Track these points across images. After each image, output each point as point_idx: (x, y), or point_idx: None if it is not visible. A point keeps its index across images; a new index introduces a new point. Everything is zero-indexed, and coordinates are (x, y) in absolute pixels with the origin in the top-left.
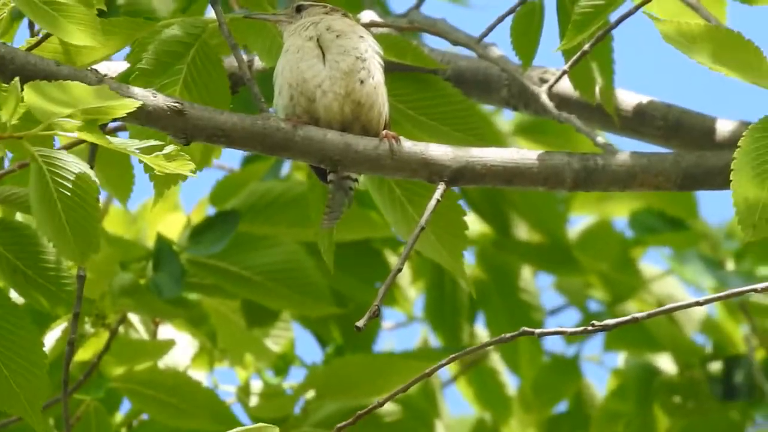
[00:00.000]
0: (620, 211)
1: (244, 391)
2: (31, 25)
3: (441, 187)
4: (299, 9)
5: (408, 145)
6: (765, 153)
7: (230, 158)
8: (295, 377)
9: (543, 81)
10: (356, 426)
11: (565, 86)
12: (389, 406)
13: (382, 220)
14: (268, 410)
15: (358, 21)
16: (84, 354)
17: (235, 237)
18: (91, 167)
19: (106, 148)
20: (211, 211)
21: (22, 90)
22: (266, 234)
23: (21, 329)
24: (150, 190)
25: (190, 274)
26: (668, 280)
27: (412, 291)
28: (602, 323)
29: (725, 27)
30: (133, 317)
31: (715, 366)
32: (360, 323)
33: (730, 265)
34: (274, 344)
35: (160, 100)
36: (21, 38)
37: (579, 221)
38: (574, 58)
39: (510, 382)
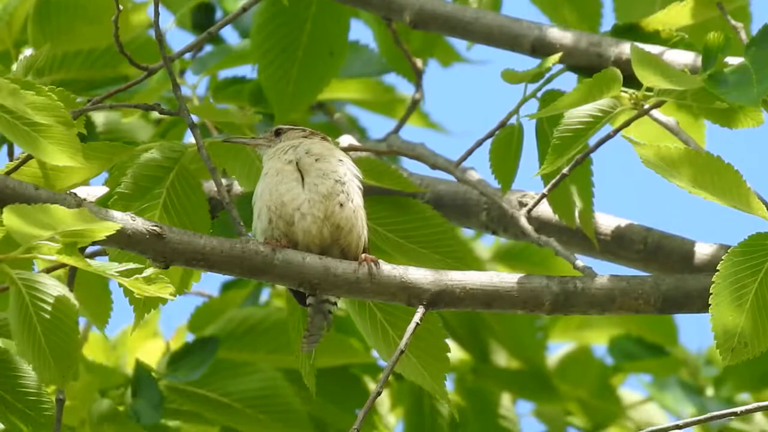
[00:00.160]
0: (599, 338)
1: None
2: (10, 152)
3: (420, 311)
4: (278, 132)
5: (387, 269)
6: (744, 278)
7: (209, 285)
8: None
9: (522, 204)
10: None
11: (545, 209)
12: None
13: (362, 346)
14: None
15: (337, 144)
16: None
17: (214, 364)
18: (71, 290)
19: (84, 273)
20: (190, 337)
21: (1, 213)
22: (245, 360)
23: None
24: (129, 316)
25: (168, 401)
26: (648, 406)
27: (392, 417)
28: None
29: (704, 151)
30: None
31: None
32: None
33: (710, 392)
34: None
35: (139, 223)
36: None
37: (558, 348)
38: (553, 181)
39: None
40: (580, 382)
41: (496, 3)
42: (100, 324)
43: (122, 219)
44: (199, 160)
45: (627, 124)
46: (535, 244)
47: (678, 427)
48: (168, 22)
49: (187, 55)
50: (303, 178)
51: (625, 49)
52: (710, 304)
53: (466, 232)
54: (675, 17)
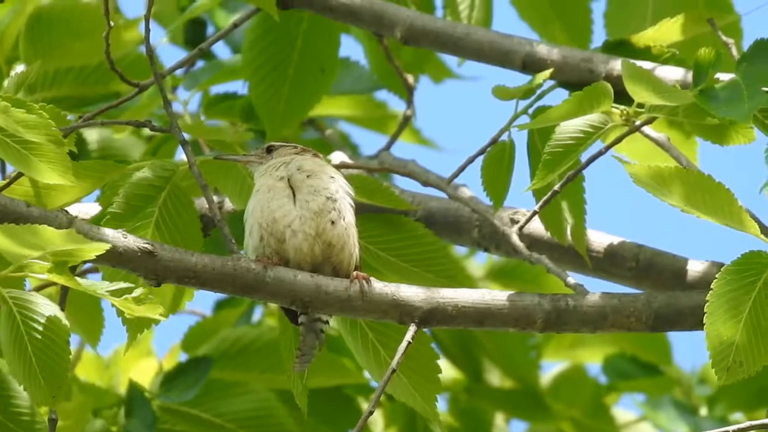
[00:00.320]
0: (593, 357)
1: None
2: (2, 169)
3: (412, 329)
4: (270, 149)
5: (379, 286)
6: (738, 296)
7: (202, 303)
8: None
9: (514, 222)
10: None
11: (537, 227)
12: None
13: (355, 366)
14: None
15: (329, 161)
16: None
17: (207, 384)
18: (62, 309)
19: (76, 291)
20: (183, 356)
21: None
22: (238, 381)
23: None
24: (123, 334)
25: (161, 421)
26: (642, 426)
27: None
28: None
29: (696, 169)
30: None
31: None
32: None
33: (704, 411)
34: None
35: (130, 241)
36: None
37: (551, 367)
38: (545, 198)
39: None
40: (574, 402)
41: (487, 19)
42: (92, 342)
43: (114, 237)
44: (191, 177)
45: (618, 140)
46: (527, 262)
47: None
48: (160, 38)
49: (180, 71)
50: (294, 195)
51: (616, 65)
52: (704, 323)
53: (459, 250)
54: (666, 33)
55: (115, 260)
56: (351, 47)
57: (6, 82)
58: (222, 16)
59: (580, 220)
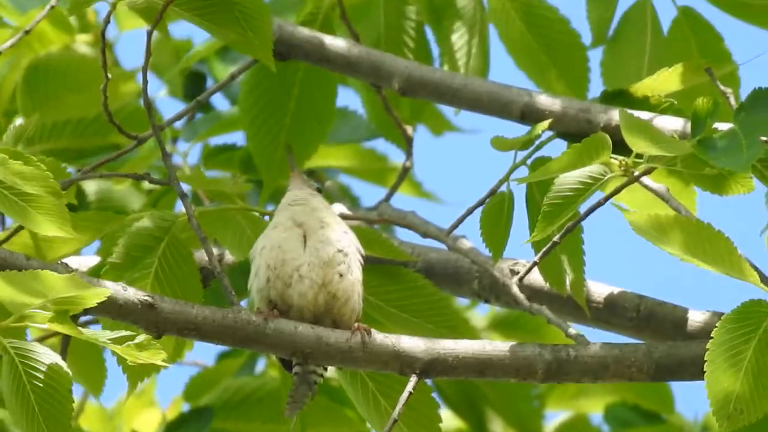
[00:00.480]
0: (596, 407)
1: None
2: (2, 221)
3: (413, 380)
4: (315, 182)
5: (379, 338)
6: (738, 344)
7: (205, 354)
8: None
9: (514, 272)
10: None
11: (536, 277)
12: None
13: (357, 416)
14: None
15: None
16: None
17: None
18: (64, 358)
19: (78, 341)
20: (186, 407)
21: None
22: (240, 431)
23: None
24: (125, 385)
25: None
26: None
27: None
28: None
29: (695, 218)
30: None
31: None
32: None
33: None
34: None
35: (130, 293)
36: None
37: (555, 417)
38: (544, 249)
39: None
40: None
41: (484, 68)
42: (94, 392)
43: (114, 289)
44: (190, 229)
45: (618, 191)
46: (528, 312)
47: None
48: (159, 89)
49: (180, 123)
50: (306, 241)
51: (615, 115)
52: (705, 371)
53: (461, 301)
54: (664, 83)
55: (115, 312)
56: (349, 96)
57: (5, 136)
58: (221, 69)
59: (579, 271)
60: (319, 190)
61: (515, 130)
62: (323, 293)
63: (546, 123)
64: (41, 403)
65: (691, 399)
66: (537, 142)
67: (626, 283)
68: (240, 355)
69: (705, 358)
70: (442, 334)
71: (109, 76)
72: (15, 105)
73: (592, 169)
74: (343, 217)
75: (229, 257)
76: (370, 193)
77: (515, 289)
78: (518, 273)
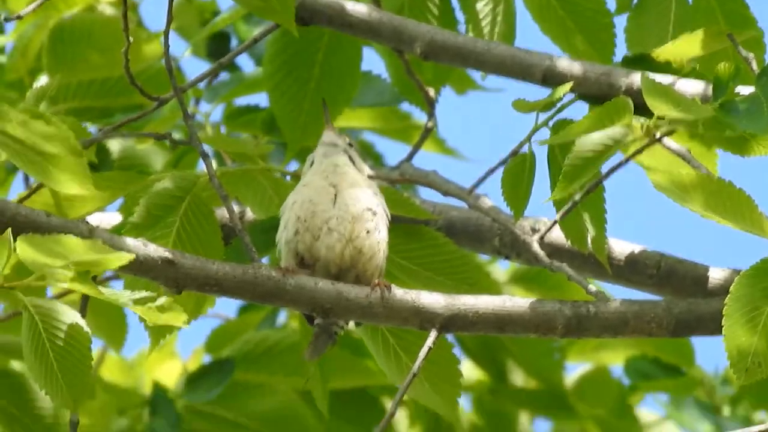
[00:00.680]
0: (617, 359)
1: None
2: (26, 179)
3: (433, 335)
4: (351, 145)
5: (399, 293)
6: (756, 299)
7: (226, 307)
8: None
9: (534, 231)
10: None
11: (557, 235)
12: None
13: (378, 368)
14: None
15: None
16: None
17: (231, 385)
18: (83, 316)
19: (98, 298)
20: (207, 359)
21: (15, 240)
22: (262, 382)
23: None
24: (146, 337)
25: (186, 421)
26: (666, 426)
27: None
28: None
29: (717, 177)
30: None
31: None
32: None
33: (727, 411)
34: None
35: (151, 250)
36: (16, 192)
37: (575, 369)
38: (565, 208)
39: None
40: (598, 402)
41: (510, 33)
42: (116, 346)
43: (134, 246)
44: (212, 188)
45: (639, 152)
46: (548, 270)
47: None
48: (183, 50)
49: (203, 83)
50: (336, 198)
51: (636, 79)
52: (723, 326)
53: (482, 256)
54: (686, 48)
55: (136, 269)
56: (373, 60)
57: (29, 93)
58: (245, 29)
59: (601, 229)
60: (350, 145)
61: (537, 93)
62: (350, 248)
63: (568, 86)
64: (60, 361)
65: (711, 352)
66: (558, 105)
67: (647, 242)
68: (262, 309)
69: (723, 313)
70: (463, 291)
71: (131, 39)
72: (40, 64)
73: (614, 131)
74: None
75: (250, 215)
76: (393, 150)
77: (536, 247)
78: (539, 231)
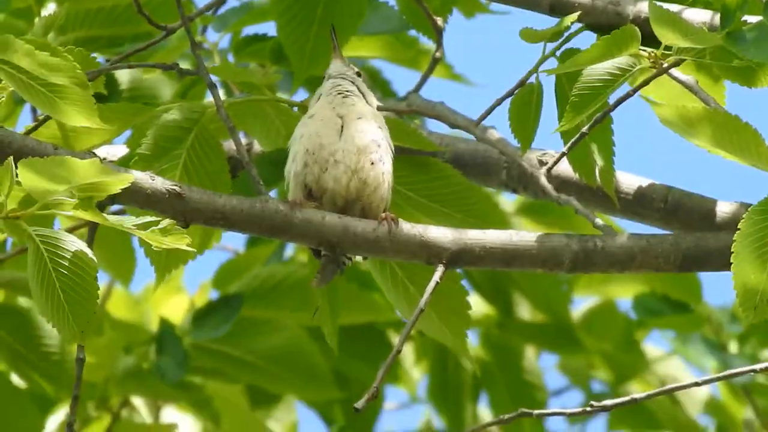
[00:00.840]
0: (624, 293)
1: None
2: (33, 111)
3: (440, 269)
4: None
5: (406, 228)
6: (765, 235)
7: (233, 239)
8: None
9: (542, 163)
10: None
11: (565, 168)
12: None
13: (386, 302)
14: None
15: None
16: None
17: (238, 321)
18: (90, 247)
19: (106, 230)
20: (214, 293)
21: (16, 168)
22: (269, 318)
23: (21, 414)
24: (153, 271)
25: (193, 358)
26: (672, 361)
27: (416, 371)
28: (601, 404)
29: (723, 110)
30: (136, 399)
31: None
32: (359, 404)
33: (734, 348)
34: (277, 426)
35: (158, 183)
36: (23, 124)
37: (582, 302)
38: (573, 140)
39: None
40: (605, 336)
41: None
42: (124, 280)
43: (142, 179)
44: (219, 119)
45: (646, 82)
46: (555, 203)
47: (698, 384)
48: None
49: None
50: (343, 130)
51: (644, 7)
52: (731, 263)
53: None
54: None
55: (143, 202)
56: None
57: (37, 22)
58: None
59: (609, 161)
60: (358, 74)
61: (545, 22)
62: (355, 179)
63: (575, 15)
64: (66, 290)
65: (719, 289)
66: (566, 34)
67: (654, 175)
68: (269, 243)
69: (732, 250)
70: (470, 223)
71: None
72: None
73: (621, 60)
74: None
75: (257, 147)
76: (400, 77)
77: (543, 180)
78: (547, 163)
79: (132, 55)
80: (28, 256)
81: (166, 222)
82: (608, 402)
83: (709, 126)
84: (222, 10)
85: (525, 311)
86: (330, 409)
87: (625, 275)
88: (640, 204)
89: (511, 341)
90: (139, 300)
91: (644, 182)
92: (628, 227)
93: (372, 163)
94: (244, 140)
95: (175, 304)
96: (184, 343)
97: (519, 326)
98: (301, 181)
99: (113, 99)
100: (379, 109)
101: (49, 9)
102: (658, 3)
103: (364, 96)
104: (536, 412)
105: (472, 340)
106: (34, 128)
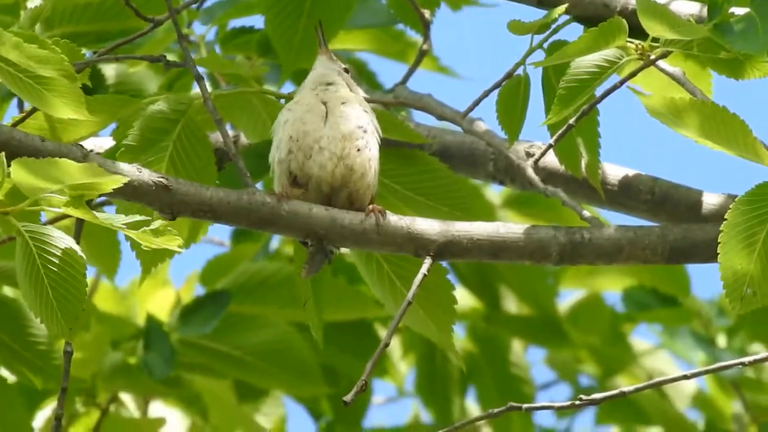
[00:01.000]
0: (610, 286)
1: None
2: (20, 106)
3: (427, 262)
4: (347, 70)
5: (394, 219)
6: (752, 226)
7: (220, 232)
8: None
9: (529, 155)
10: None
11: (552, 160)
12: None
13: (372, 296)
14: None
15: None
16: None
17: (226, 317)
18: (77, 242)
19: (92, 224)
20: (200, 287)
21: (9, 165)
22: (257, 314)
23: (9, 408)
24: (139, 265)
25: (180, 354)
26: (659, 355)
27: (403, 365)
28: (590, 397)
29: (710, 101)
30: (124, 395)
31: None
32: (347, 398)
33: (722, 342)
34: (265, 420)
35: (145, 175)
36: (10, 118)
37: (569, 295)
38: (560, 132)
39: None
40: (592, 329)
41: None
42: (109, 273)
43: (129, 171)
44: (206, 111)
45: (633, 74)
46: (542, 195)
47: (686, 377)
48: None
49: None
50: (327, 117)
51: None
52: (718, 254)
53: (476, 181)
54: None
55: (130, 194)
56: None
57: (23, 14)
58: None
59: (595, 153)
60: (346, 70)
61: (533, 14)
62: (341, 166)
63: (563, 7)
64: (55, 286)
65: (707, 284)
66: (553, 26)
67: (641, 167)
68: (257, 238)
69: (719, 240)
70: (457, 216)
71: None
72: None
73: (608, 52)
74: None
75: (244, 139)
76: (386, 69)
77: (530, 172)
78: (534, 155)
79: (118, 46)
80: (16, 251)
81: (157, 222)
82: (597, 396)
83: (697, 116)
84: (208, 3)
85: (512, 304)
86: (318, 404)
87: (612, 268)
88: (626, 195)
89: (498, 334)
90: (125, 294)
91: (630, 173)
92: (615, 219)
93: (358, 150)
94: (230, 132)
95: (161, 297)
96: (172, 339)
97: (506, 319)
98: (285, 168)
99: (99, 93)
100: (366, 101)
101: (36, 3)
102: None
103: (349, 87)
104: (525, 405)
105: (459, 333)
106: (21, 120)
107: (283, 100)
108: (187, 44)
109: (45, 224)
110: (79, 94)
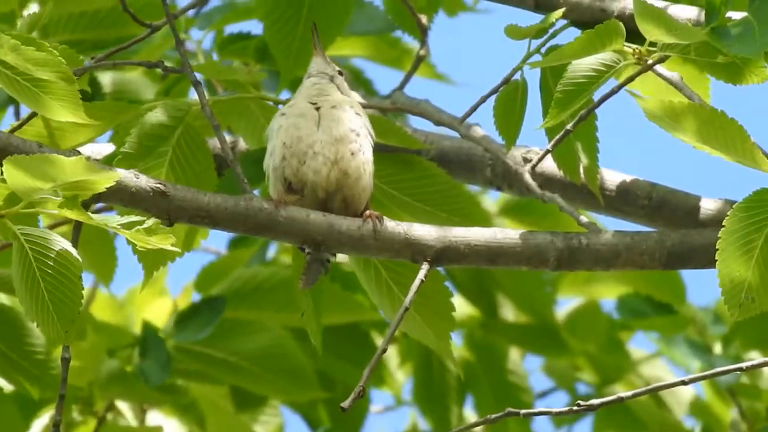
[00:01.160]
0: (608, 293)
1: None
2: (17, 115)
3: (425, 267)
4: (340, 73)
5: (391, 225)
6: (750, 232)
7: (217, 241)
8: None
9: (526, 160)
10: None
11: (549, 165)
12: None
13: (370, 302)
14: None
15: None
16: None
17: (222, 323)
18: (74, 247)
19: (89, 230)
20: (197, 296)
21: (1, 166)
22: (252, 319)
23: (5, 416)
24: (136, 275)
25: (176, 361)
26: (657, 362)
27: (401, 374)
28: (587, 403)
29: (709, 106)
30: (121, 403)
31: None
32: (345, 404)
33: (718, 350)
34: (262, 429)
35: (142, 181)
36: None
37: (566, 303)
38: (557, 137)
39: None
40: (589, 337)
41: None
42: (105, 280)
43: (126, 176)
44: (204, 117)
45: (631, 79)
46: (540, 200)
47: (684, 383)
48: None
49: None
50: (320, 121)
51: (629, 3)
52: (716, 260)
53: (473, 188)
54: None
55: (127, 200)
56: None
57: (20, 21)
58: None
59: (593, 158)
60: (340, 73)
61: (530, 19)
62: (335, 170)
63: (560, 12)
64: (51, 290)
65: (703, 288)
66: (551, 31)
67: (639, 172)
68: (252, 244)
69: (717, 247)
70: (455, 222)
71: None
72: None
73: (605, 56)
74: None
75: (242, 145)
76: (383, 77)
77: (528, 177)
78: (531, 161)
79: (116, 52)
80: (12, 255)
81: (151, 221)
82: (595, 401)
83: (695, 121)
84: (205, 9)
85: (509, 312)
86: (315, 412)
87: (609, 275)
88: (624, 201)
89: (495, 342)
90: (122, 303)
91: (628, 179)
92: (612, 225)
93: (352, 153)
94: (228, 138)
95: (158, 306)
96: (168, 345)
97: (503, 327)
98: (279, 174)
99: (96, 101)
100: (364, 106)
101: (31, 11)
102: None
103: (342, 90)
104: (523, 411)
105: (456, 341)
106: (19, 126)
107: (281, 106)
108: (184, 50)
109: (42, 228)
110: (76, 97)
